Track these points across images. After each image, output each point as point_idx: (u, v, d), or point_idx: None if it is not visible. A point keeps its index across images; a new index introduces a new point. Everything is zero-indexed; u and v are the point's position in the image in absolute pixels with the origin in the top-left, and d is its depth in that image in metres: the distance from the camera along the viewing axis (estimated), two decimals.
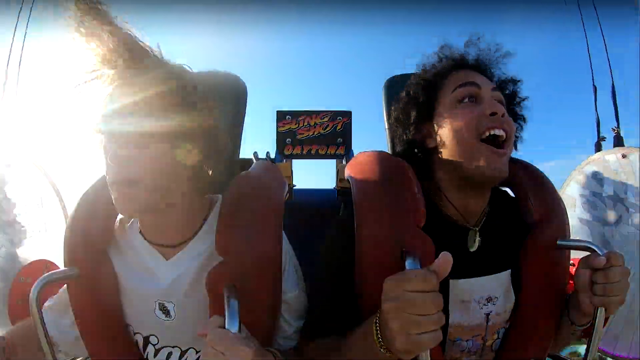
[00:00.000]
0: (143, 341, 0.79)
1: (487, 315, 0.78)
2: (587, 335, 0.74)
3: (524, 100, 0.89)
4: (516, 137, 0.87)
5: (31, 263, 1.17)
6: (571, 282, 0.78)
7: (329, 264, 0.81)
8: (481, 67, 0.85)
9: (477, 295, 0.76)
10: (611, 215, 1.17)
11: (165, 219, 0.76)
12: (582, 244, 0.75)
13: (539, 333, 0.78)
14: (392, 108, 0.93)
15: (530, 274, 0.79)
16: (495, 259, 0.79)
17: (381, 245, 0.72)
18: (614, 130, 1.39)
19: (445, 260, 0.54)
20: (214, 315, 0.63)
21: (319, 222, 0.93)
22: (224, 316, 0.61)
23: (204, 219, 0.80)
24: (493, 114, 0.75)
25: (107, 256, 0.81)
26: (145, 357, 0.79)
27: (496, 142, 0.75)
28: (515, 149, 0.86)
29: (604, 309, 0.69)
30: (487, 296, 0.77)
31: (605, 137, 1.42)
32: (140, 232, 0.81)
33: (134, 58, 0.67)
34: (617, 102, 1.45)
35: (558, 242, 0.77)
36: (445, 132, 0.79)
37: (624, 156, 1.19)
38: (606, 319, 0.71)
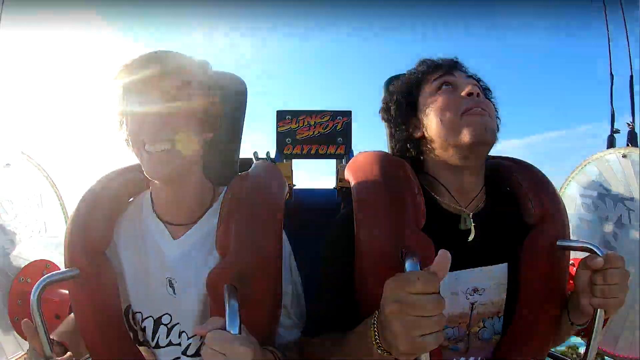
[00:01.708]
0: (154, 325, 0.81)
1: (472, 304, 0.79)
2: (586, 335, 0.74)
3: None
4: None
5: (31, 263, 1.17)
6: (571, 282, 0.78)
7: (330, 260, 0.82)
8: (457, 66, 0.90)
9: (464, 287, 0.78)
10: (611, 216, 1.17)
11: (181, 192, 0.81)
12: (582, 244, 0.75)
13: (539, 333, 0.78)
14: (380, 110, 0.98)
15: (530, 275, 0.78)
16: (487, 251, 0.80)
17: (381, 245, 0.72)
18: (629, 125, 1.35)
19: (443, 259, 0.54)
20: (214, 316, 0.63)
21: (319, 222, 0.93)
22: (224, 317, 0.61)
23: (209, 204, 0.85)
24: (469, 94, 0.80)
25: (107, 256, 0.81)
26: (156, 341, 0.81)
27: None
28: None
29: (603, 310, 0.69)
30: (474, 287, 0.79)
31: (619, 130, 1.37)
32: (154, 211, 0.84)
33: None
34: (634, 94, 1.39)
35: (558, 242, 0.77)
36: (429, 119, 0.84)
37: (624, 156, 1.19)
38: (606, 320, 0.71)
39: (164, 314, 0.80)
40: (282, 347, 0.80)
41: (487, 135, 0.77)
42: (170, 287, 0.79)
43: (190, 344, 0.80)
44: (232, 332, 0.58)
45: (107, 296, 0.79)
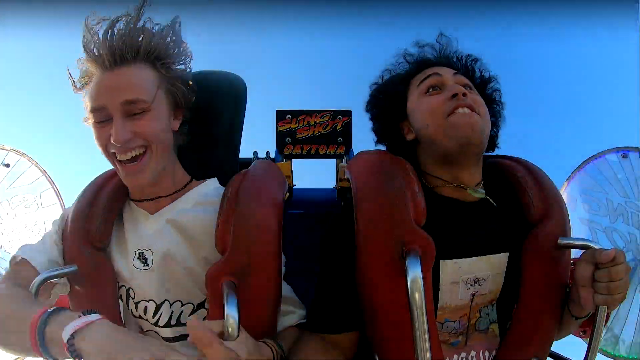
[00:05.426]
0: (126, 293, 0.82)
1: (473, 295, 0.79)
2: (587, 335, 0.74)
3: (490, 81, 0.93)
4: (496, 125, 0.93)
5: None
6: (571, 281, 0.78)
7: (331, 256, 0.82)
8: (442, 60, 0.90)
9: (465, 276, 0.77)
10: (611, 214, 1.17)
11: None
12: (583, 242, 0.75)
13: (540, 332, 0.78)
14: (369, 111, 0.98)
15: (531, 273, 0.78)
16: (489, 241, 0.80)
17: (382, 243, 0.72)
18: None
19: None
20: (215, 320, 0.62)
21: (319, 222, 0.93)
22: (223, 314, 0.61)
23: (186, 183, 0.86)
24: (454, 95, 0.79)
25: (105, 254, 0.81)
26: (129, 308, 0.82)
27: None
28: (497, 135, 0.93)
29: (605, 307, 0.69)
30: (475, 277, 0.78)
31: None
32: (128, 194, 0.86)
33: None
34: None
35: (559, 240, 0.77)
36: (418, 122, 0.85)
37: (624, 156, 1.19)
38: (607, 316, 0.71)
39: (130, 288, 0.81)
40: (280, 333, 0.81)
41: (475, 135, 0.77)
42: (140, 260, 0.79)
43: (161, 314, 0.80)
44: (230, 328, 0.58)
45: (105, 293, 0.79)
